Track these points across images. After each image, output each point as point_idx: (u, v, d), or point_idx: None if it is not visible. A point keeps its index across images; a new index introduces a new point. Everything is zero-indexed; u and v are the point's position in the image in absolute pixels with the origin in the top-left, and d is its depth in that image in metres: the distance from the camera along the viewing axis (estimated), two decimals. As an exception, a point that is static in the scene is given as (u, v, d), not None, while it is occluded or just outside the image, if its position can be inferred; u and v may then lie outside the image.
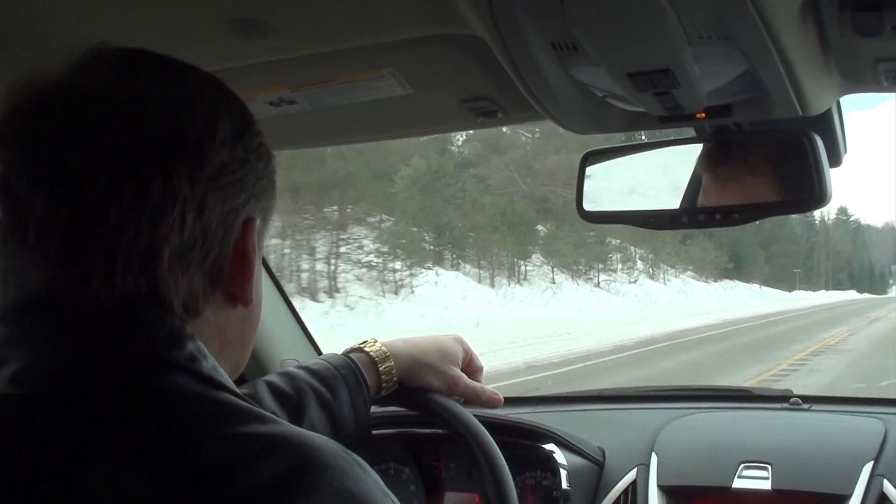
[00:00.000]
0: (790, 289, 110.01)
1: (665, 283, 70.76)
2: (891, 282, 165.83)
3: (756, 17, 1.17)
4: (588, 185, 1.79)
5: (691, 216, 1.69)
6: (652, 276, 71.04)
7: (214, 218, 0.99)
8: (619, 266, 66.74)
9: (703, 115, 1.52)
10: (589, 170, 1.80)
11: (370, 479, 0.93)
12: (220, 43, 1.44)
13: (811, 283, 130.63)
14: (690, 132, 1.74)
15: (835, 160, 1.67)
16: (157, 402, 0.92)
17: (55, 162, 0.93)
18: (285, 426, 0.94)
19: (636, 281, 66.09)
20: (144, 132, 0.95)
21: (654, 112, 1.48)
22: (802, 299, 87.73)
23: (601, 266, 63.23)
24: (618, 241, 66.85)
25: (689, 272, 78.96)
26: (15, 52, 1.47)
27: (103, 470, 0.86)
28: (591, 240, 60.71)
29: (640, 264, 70.70)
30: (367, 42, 1.45)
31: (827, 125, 1.65)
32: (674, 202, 1.75)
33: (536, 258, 56.78)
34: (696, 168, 1.76)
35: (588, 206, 1.79)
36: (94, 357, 0.94)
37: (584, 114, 1.53)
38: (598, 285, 60.26)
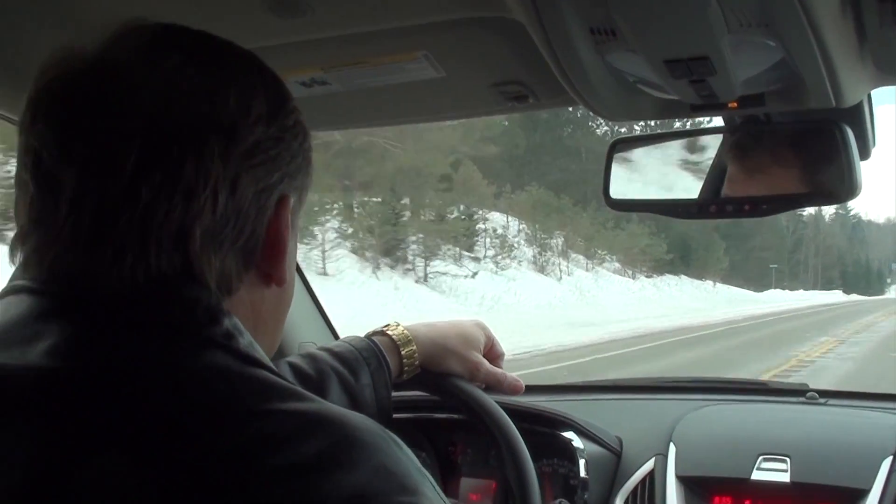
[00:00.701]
0: (763, 287, 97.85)
1: (559, 278, 52.62)
2: (889, 280, 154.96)
3: (797, 5, 1.16)
4: (615, 173, 1.79)
5: (719, 206, 1.69)
6: (541, 268, 53.31)
7: (248, 197, 0.99)
8: (488, 252, 48.97)
9: (735, 104, 1.52)
10: (617, 157, 1.79)
11: (406, 457, 0.93)
12: (256, 21, 1.43)
13: (797, 281, 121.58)
14: (719, 121, 1.73)
15: (864, 153, 1.67)
16: (195, 379, 0.92)
17: (86, 138, 0.93)
18: (323, 404, 0.94)
19: (504, 271, 47.61)
20: (177, 110, 0.94)
21: (688, 100, 1.48)
22: (773, 301, 73.54)
23: (454, 250, 45.29)
24: (501, 216, 54.06)
25: (611, 263, 63.59)
26: (49, 30, 1.47)
27: (138, 444, 0.86)
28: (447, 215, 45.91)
29: (530, 251, 54.27)
30: (401, 24, 1.44)
31: (857, 117, 1.64)
32: (702, 192, 1.75)
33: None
34: (722, 158, 1.76)
35: (615, 193, 1.79)
36: (130, 333, 0.93)
37: (617, 100, 1.53)
38: (424, 279, 41.62)
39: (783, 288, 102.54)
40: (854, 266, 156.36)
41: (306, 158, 1.09)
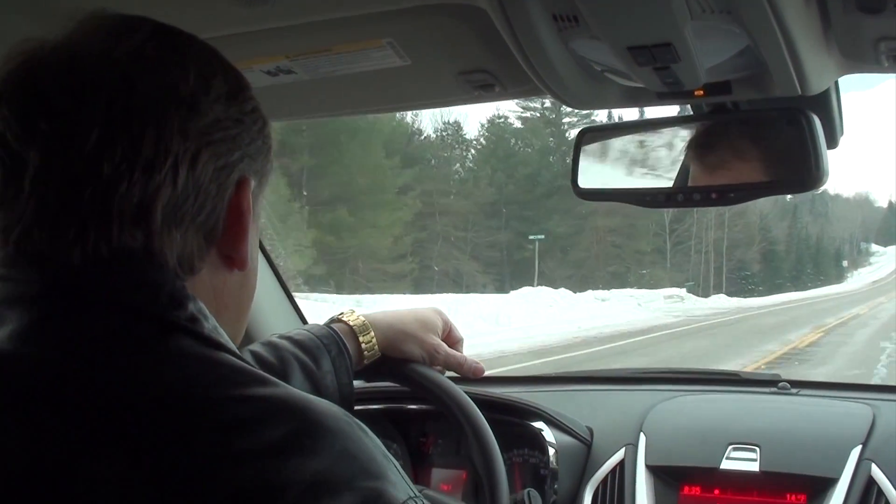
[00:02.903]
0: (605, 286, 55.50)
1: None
2: (845, 265, 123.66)
3: None
4: (583, 162, 1.78)
5: (687, 195, 1.69)
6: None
7: (208, 173, 0.99)
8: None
9: (702, 92, 1.52)
10: (584, 147, 1.79)
11: (371, 441, 0.94)
12: (220, 9, 1.43)
13: (676, 273, 79.83)
14: (688, 110, 1.73)
15: (831, 141, 1.67)
16: (159, 363, 0.92)
17: (49, 116, 0.94)
18: (287, 389, 0.95)
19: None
20: (137, 86, 0.96)
21: (653, 87, 1.48)
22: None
23: None
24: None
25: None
26: (17, 20, 1.47)
27: (102, 430, 0.86)
28: None
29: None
30: (365, 11, 1.44)
31: (825, 105, 1.65)
32: (671, 181, 1.75)
33: None
34: (690, 147, 1.76)
35: (583, 183, 1.78)
36: (94, 317, 0.94)
37: (583, 88, 1.53)
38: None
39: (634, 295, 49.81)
40: (792, 251, 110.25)
41: (266, 144, 1.10)
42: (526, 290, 41.32)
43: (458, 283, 62.59)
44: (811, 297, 62.01)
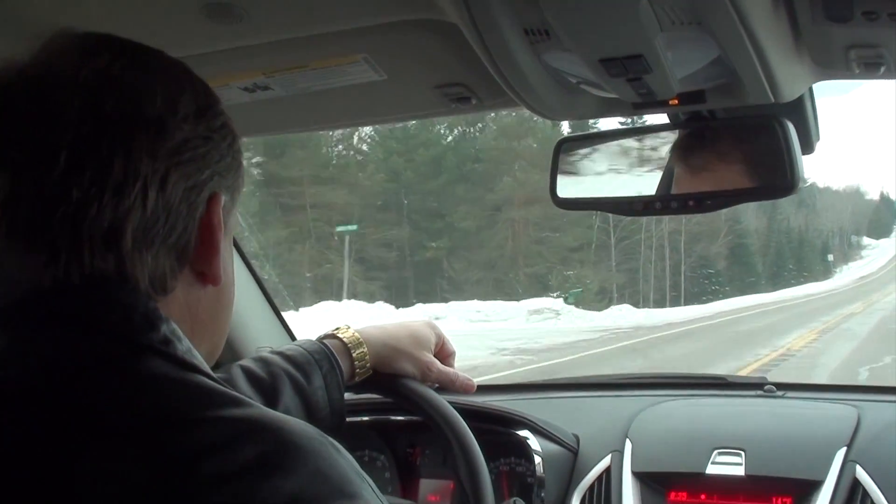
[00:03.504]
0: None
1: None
2: (831, 259, 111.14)
3: (727, 3, 1.17)
4: (562, 172, 1.79)
5: (664, 202, 1.70)
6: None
7: (178, 193, 0.99)
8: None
9: (676, 101, 1.53)
10: (563, 157, 1.80)
11: (345, 460, 0.94)
12: (195, 28, 1.44)
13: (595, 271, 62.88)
14: (664, 119, 1.74)
15: (807, 147, 1.68)
16: (132, 386, 0.92)
17: (16, 142, 0.94)
18: (261, 409, 0.94)
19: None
20: (104, 108, 0.95)
21: (627, 98, 1.48)
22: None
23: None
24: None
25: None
26: None
27: (79, 454, 0.86)
28: None
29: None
30: (340, 27, 1.45)
31: (800, 112, 1.66)
32: (649, 189, 1.76)
33: None
34: (668, 155, 1.77)
35: (562, 192, 1.79)
36: (67, 340, 0.94)
37: (558, 100, 1.53)
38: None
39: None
40: (771, 245, 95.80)
41: (236, 159, 1.09)
42: (328, 304, 34.61)
43: (333, 294, 47.98)
44: (781, 300, 51.22)
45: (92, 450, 0.86)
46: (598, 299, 53.20)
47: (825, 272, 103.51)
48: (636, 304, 49.46)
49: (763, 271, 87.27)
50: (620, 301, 51.50)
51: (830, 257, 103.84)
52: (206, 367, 1.01)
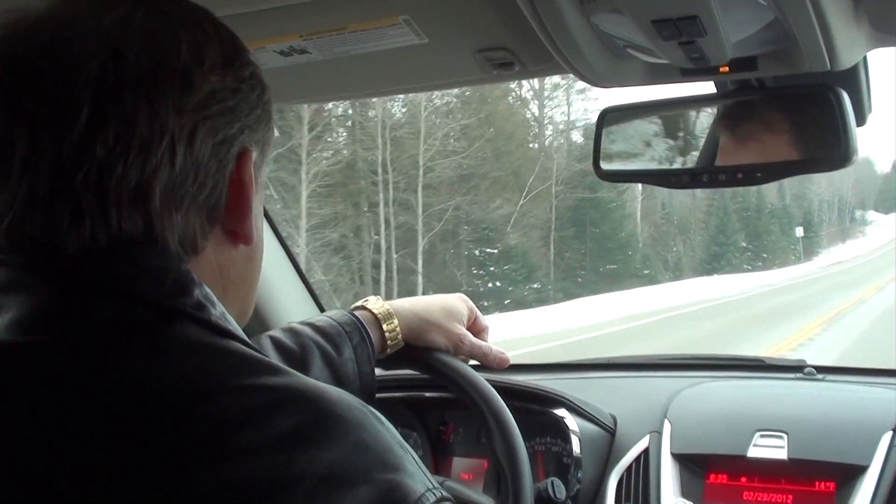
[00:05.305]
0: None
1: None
2: (799, 234, 66.70)
3: None
4: (605, 143, 1.75)
5: (712, 175, 1.65)
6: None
7: (206, 149, 0.96)
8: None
9: (727, 68, 1.48)
10: (607, 127, 1.75)
11: (388, 431, 0.91)
12: None
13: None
14: (711, 88, 1.69)
15: (860, 118, 1.62)
16: (163, 353, 0.89)
17: (35, 93, 0.90)
18: (298, 377, 0.92)
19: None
20: (127, 59, 0.91)
21: (678, 63, 1.44)
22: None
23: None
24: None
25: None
26: None
27: (107, 423, 0.83)
28: None
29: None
30: (381, -14, 1.41)
31: (853, 81, 1.60)
32: (691, 160, 1.71)
33: None
34: (714, 126, 1.72)
35: (605, 164, 1.75)
36: (97, 305, 0.91)
37: (605, 65, 1.49)
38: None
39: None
40: (728, 221, 60.74)
41: (266, 111, 1.05)
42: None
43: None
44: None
45: (121, 418, 0.83)
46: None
47: (808, 251, 73.09)
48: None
49: (718, 252, 59.29)
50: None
51: (800, 231, 68.29)
52: (241, 333, 0.98)
